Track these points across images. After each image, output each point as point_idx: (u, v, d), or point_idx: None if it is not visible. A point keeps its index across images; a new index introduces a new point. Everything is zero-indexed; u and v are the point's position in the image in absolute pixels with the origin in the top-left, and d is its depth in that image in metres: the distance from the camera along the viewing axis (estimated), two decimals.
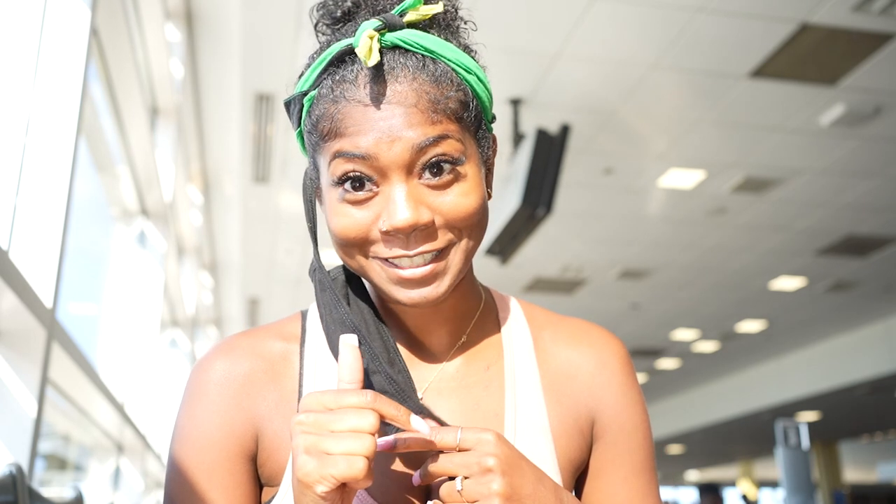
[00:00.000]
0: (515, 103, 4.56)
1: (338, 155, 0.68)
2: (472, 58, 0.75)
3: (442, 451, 0.67)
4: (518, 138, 4.48)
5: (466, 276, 0.81)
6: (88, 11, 2.08)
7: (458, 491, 0.64)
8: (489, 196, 0.76)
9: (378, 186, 0.69)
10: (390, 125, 0.67)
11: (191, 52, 4.51)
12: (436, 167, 0.69)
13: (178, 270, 5.25)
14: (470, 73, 0.72)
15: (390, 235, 0.69)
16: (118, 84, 3.15)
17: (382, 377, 0.72)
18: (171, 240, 4.43)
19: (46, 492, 1.14)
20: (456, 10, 0.76)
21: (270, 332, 0.81)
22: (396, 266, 0.70)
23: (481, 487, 0.64)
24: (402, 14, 0.70)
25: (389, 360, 0.75)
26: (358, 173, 0.68)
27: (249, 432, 0.75)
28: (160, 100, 4.05)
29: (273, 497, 0.74)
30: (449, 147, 0.68)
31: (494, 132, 0.81)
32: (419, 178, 0.69)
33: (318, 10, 0.75)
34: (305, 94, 0.72)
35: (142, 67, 3.49)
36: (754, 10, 3.76)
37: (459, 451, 0.66)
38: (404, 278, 0.70)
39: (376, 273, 0.72)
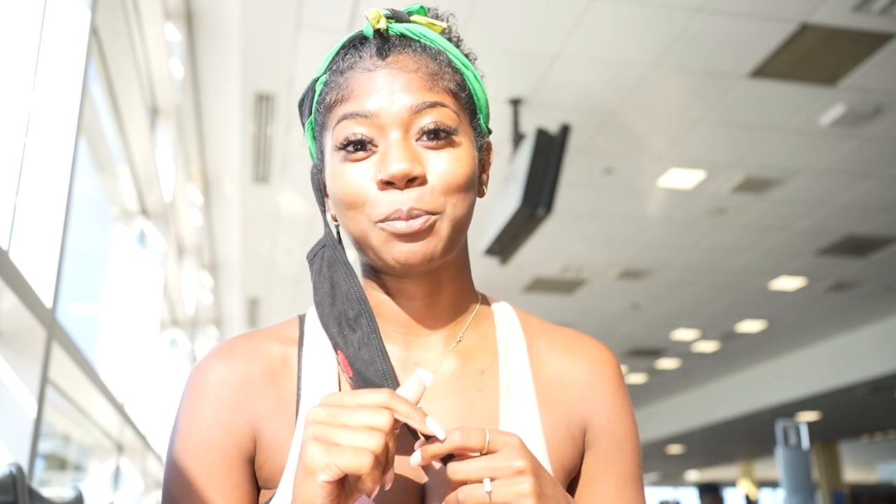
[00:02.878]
0: (515, 103, 4.56)
1: (343, 118, 0.74)
2: (471, 63, 0.81)
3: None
4: (518, 138, 4.48)
5: (463, 272, 0.83)
6: (88, 11, 2.08)
7: (488, 493, 0.63)
8: (482, 193, 0.81)
9: (377, 147, 0.73)
10: (391, 87, 0.73)
11: (191, 52, 4.51)
12: (432, 133, 0.73)
13: (178, 270, 5.25)
14: (467, 68, 0.79)
15: (386, 187, 0.72)
16: (118, 84, 3.15)
17: (375, 350, 0.73)
18: (171, 240, 4.43)
19: (46, 492, 1.14)
20: (459, 38, 0.82)
21: (269, 335, 0.81)
22: (391, 223, 0.72)
23: (513, 488, 0.63)
24: (408, 14, 0.77)
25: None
26: (359, 136, 0.73)
27: (247, 434, 0.75)
28: (160, 100, 4.05)
29: (270, 499, 0.74)
30: (444, 115, 0.74)
31: (495, 134, 0.82)
32: (416, 140, 0.74)
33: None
34: (318, 80, 0.79)
35: (142, 67, 3.49)
36: (754, 10, 3.76)
37: (486, 453, 0.65)
38: (400, 232, 0.72)
39: (375, 237, 0.74)
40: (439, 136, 0.73)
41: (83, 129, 2.19)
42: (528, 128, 4.38)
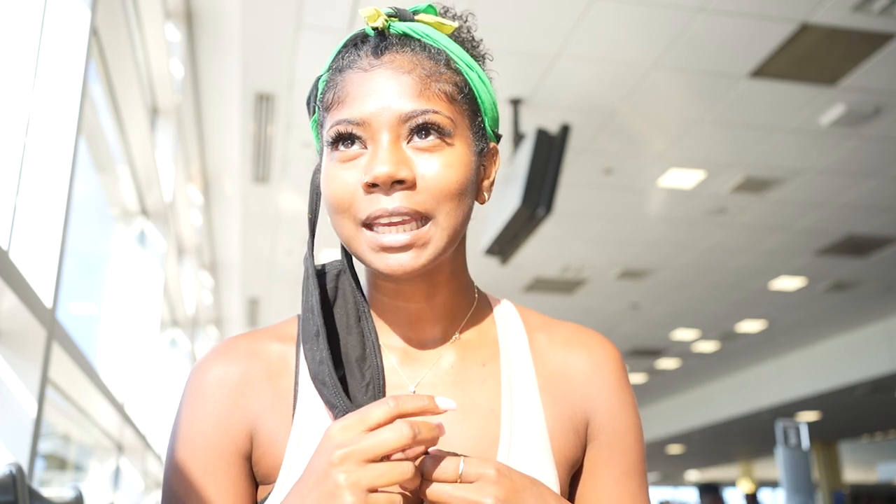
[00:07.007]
0: (515, 103, 4.56)
1: (336, 123, 0.74)
2: (481, 66, 0.79)
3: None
4: (518, 138, 4.48)
5: (460, 275, 0.83)
6: (88, 11, 2.08)
7: None
8: (483, 200, 0.80)
9: (367, 147, 0.73)
10: (382, 92, 0.72)
11: (191, 52, 4.51)
12: (423, 130, 0.72)
13: (178, 270, 5.24)
14: (472, 69, 0.77)
15: (372, 190, 0.71)
16: (118, 84, 3.15)
17: (326, 373, 0.73)
18: (171, 240, 4.43)
19: (46, 492, 1.14)
20: (473, 38, 0.80)
21: (267, 334, 0.82)
22: (377, 232, 0.72)
23: None
24: (414, 13, 0.76)
25: (363, 356, 0.77)
26: (349, 132, 0.73)
27: (245, 432, 0.76)
28: (160, 100, 4.05)
29: (269, 494, 0.75)
30: (437, 118, 0.72)
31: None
32: (407, 142, 0.73)
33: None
34: (321, 78, 0.79)
35: (142, 67, 3.49)
36: (754, 10, 3.76)
37: (461, 482, 0.65)
38: (385, 245, 0.72)
39: (361, 243, 0.74)
40: (430, 135, 0.72)
41: (83, 129, 2.19)
42: (528, 128, 4.38)
